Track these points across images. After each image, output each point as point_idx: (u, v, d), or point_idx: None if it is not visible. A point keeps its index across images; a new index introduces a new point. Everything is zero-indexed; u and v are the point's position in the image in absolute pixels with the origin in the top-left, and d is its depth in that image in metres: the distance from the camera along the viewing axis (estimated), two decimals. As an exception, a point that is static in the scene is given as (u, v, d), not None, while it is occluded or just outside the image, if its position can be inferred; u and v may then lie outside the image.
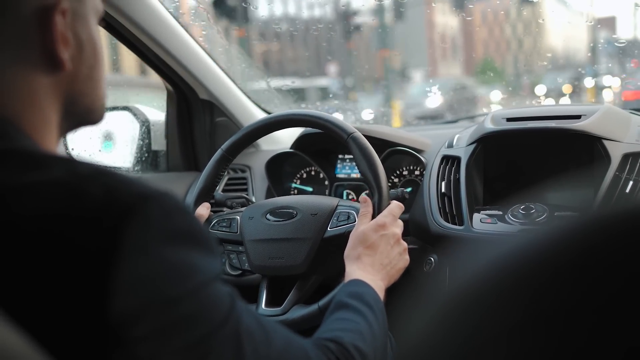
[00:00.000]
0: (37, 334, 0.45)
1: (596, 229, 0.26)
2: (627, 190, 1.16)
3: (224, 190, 1.62)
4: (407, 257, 1.04)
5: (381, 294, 0.92)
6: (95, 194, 0.49)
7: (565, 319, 0.24)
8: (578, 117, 1.28)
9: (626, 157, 1.20)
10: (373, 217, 1.05)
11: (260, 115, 1.82)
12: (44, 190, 0.49)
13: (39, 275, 0.47)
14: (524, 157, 1.34)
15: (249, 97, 1.83)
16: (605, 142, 1.22)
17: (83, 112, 0.62)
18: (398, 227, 1.05)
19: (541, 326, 0.24)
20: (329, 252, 1.13)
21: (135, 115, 1.74)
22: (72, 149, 1.53)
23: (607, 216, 0.27)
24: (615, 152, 1.21)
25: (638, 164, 1.19)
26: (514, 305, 0.25)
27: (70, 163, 0.53)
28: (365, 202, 1.07)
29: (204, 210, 1.22)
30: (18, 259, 0.47)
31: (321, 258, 1.13)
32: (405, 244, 1.04)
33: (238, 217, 1.23)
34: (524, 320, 0.24)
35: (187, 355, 0.50)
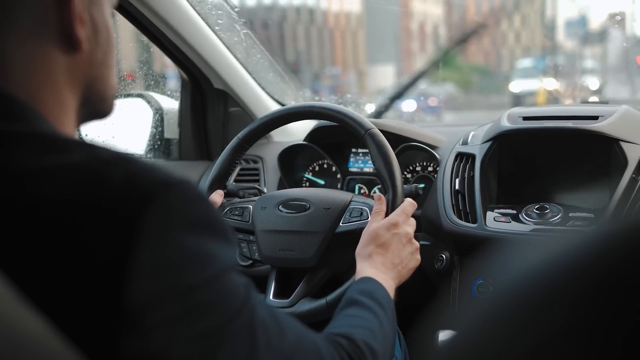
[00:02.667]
0: (53, 316, 0.45)
1: (628, 234, 0.25)
2: None
3: (235, 181, 1.62)
4: (419, 256, 1.04)
5: (392, 293, 0.91)
6: (116, 180, 0.49)
7: (607, 328, 0.23)
8: (595, 117, 1.27)
9: None
10: (386, 215, 1.05)
11: (274, 107, 1.82)
12: (64, 175, 0.49)
13: (57, 258, 0.46)
14: (540, 157, 1.32)
15: (263, 88, 1.82)
16: (623, 144, 1.21)
17: (97, 99, 0.62)
18: (410, 226, 1.04)
19: (583, 335, 0.23)
20: (339, 247, 1.12)
21: (148, 102, 1.74)
22: (86, 135, 1.53)
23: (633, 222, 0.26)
24: (633, 155, 1.20)
25: None
26: (555, 314, 0.24)
27: (90, 148, 0.53)
28: (379, 200, 1.06)
29: (217, 197, 1.21)
30: (37, 242, 0.47)
31: (331, 253, 1.13)
32: (417, 244, 1.04)
33: (250, 207, 1.23)
34: (564, 329, 0.24)
35: (201, 343, 0.50)
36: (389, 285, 0.92)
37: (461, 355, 0.27)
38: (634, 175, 1.17)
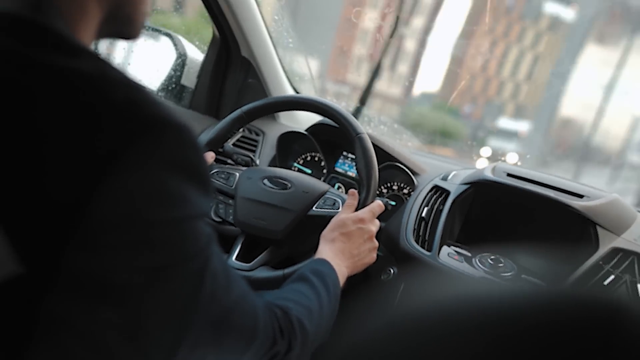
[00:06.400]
0: (7, 220, 0.45)
1: (573, 304, 0.26)
2: (606, 283, 1.12)
3: (234, 145, 1.68)
4: (375, 255, 1.10)
5: (342, 279, 0.97)
6: (116, 102, 0.48)
7: None
8: (580, 196, 1.26)
9: (616, 250, 1.17)
10: (356, 210, 1.13)
11: (288, 90, 1.87)
12: (67, 78, 0.48)
13: (38, 154, 0.46)
14: (512, 214, 1.32)
15: (285, 71, 1.87)
16: (599, 229, 1.20)
17: (124, 20, 0.60)
18: (375, 226, 1.11)
19: None
20: (308, 228, 1.20)
21: (175, 45, 1.77)
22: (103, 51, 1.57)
23: (586, 297, 0.27)
24: (606, 242, 1.18)
25: (627, 262, 1.14)
26: (463, 346, 0.26)
27: (101, 62, 0.51)
28: (352, 195, 1.14)
29: (207, 158, 1.27)
30: (22, 136, 0.46)
31: (299, 231, 1.20)
32: (376, 243, 1.10)
33: (237, 174, 1.31)
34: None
35: (145, 276, 0.50)
36: (342, 272, 0.97)
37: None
38: (600, 262, 1.15)
